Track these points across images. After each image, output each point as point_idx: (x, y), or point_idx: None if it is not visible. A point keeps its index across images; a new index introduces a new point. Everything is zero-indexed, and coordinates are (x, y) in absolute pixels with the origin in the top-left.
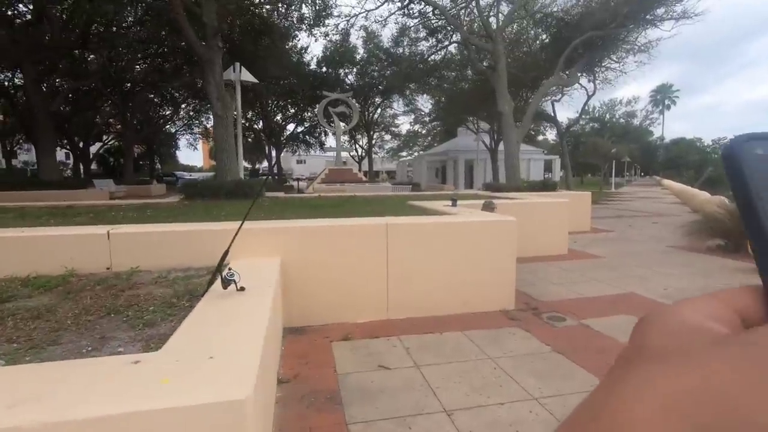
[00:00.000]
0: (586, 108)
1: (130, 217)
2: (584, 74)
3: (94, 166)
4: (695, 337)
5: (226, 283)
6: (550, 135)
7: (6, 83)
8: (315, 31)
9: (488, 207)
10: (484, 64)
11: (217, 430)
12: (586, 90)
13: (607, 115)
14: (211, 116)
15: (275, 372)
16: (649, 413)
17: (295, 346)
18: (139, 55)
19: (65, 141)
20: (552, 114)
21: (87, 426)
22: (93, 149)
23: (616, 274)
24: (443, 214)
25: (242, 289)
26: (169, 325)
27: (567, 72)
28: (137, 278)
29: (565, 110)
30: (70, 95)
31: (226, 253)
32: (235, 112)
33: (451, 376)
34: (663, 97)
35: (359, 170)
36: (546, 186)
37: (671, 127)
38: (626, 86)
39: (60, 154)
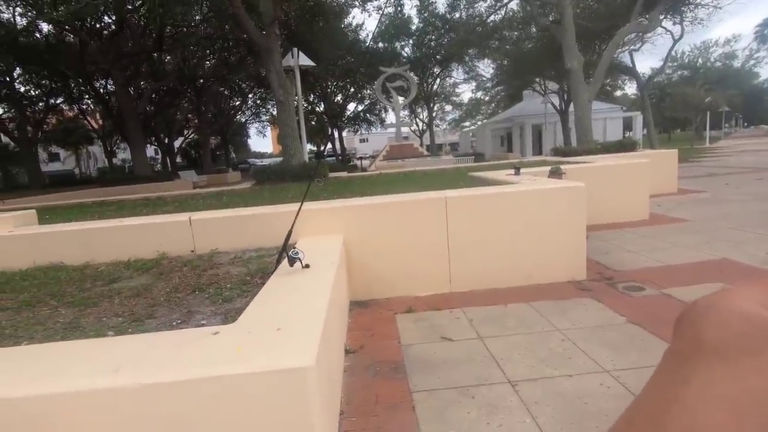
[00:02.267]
0: (673, 54)
1: (209, 203)
2: (668, 16)
3: (178, 159)
4: (755, 331)
5: (292, 261)
6: (630, 89)
7: (101, 90)
8: (368, 5)
9: (555, 173)
10: (549, 18)
11: (284, 394)
12: (671, 34)
13: (699, 60)
14: (275, 103)
15: (342, 343)
16: (716, 418)
17: (360, 319)
18: (207, 51)
19: (153, 138)
20: (630, 65)
21: (175, 387)
22: (177, 144)
23: (706, 239)
24: (505, 184)
25: (307, 266)
26: (244, 300)
27: (647, 16)
28: (217, 259)
29: (647, 59)
30: (153, 96)
31: (289, 233)
32: (296, 97)
33: (516, 348)
34: None
35: (421, 144)
36: (623, 146)
37: None
38: (722, 24)
39: (149, 150)
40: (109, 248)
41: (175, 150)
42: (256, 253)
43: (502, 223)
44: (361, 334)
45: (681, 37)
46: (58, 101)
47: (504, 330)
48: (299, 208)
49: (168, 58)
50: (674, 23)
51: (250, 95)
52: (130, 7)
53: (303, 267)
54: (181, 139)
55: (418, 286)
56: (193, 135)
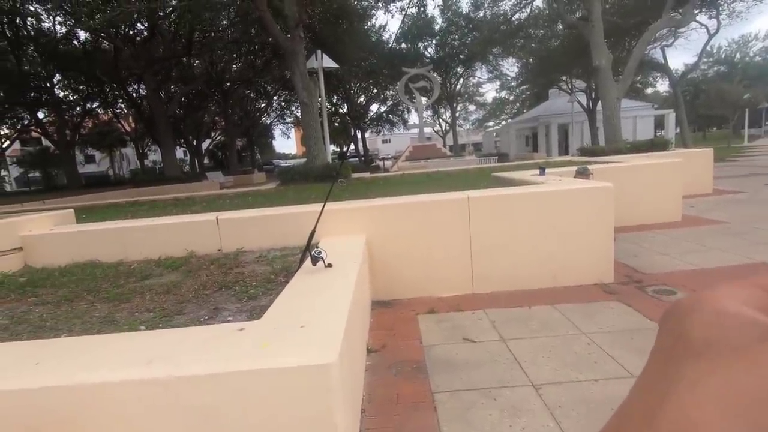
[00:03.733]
0: (708, 49)
1: (235, 203)
2: (703, 10)
3: (206, 161)
4: (742, 330)
5: (315, 261)
6: (662, 86)
7: (134, 95)
8: (391, 6)
9: (582, 174)
10: (576, 15)
11: (308, 389)
12: (706, 28)
13: (737, 55)
14: (299, 105)
15: (364, 341)
16: (705, 416)
17: (382, 318)
18: (234, 55)
19: (181, 140)
20: (662, 61)
21: (203, 380)
22: (205, 146)
23: (743, 242)
24: (530, 184)
25: (330, 265)
26: (269, 298)
27: (680, 10)
28: (242, 258)
29: (680, 54)
30: (183, 99)
31: (312, 233)
32: (320, 99)
33: (540, 351)
34: None
35: (444, 145)
36: (654, 145)
37: None
38: (763, 17)
39: (178, 152)
40: (141, 246)
41: (203, 152)
42: (280, 253)
43: (526, 224)
44: (383, 334)
45: (717, 31)
46: (94, 105)
47: (527, 332)
48: (322, 208)
49: (197, 62)
50: (710, 17)
51: (275, 97)
52: (161, 14)
53: (326, 266)
54: (208, 141)
55: (441, 287)
56: (220, 137)
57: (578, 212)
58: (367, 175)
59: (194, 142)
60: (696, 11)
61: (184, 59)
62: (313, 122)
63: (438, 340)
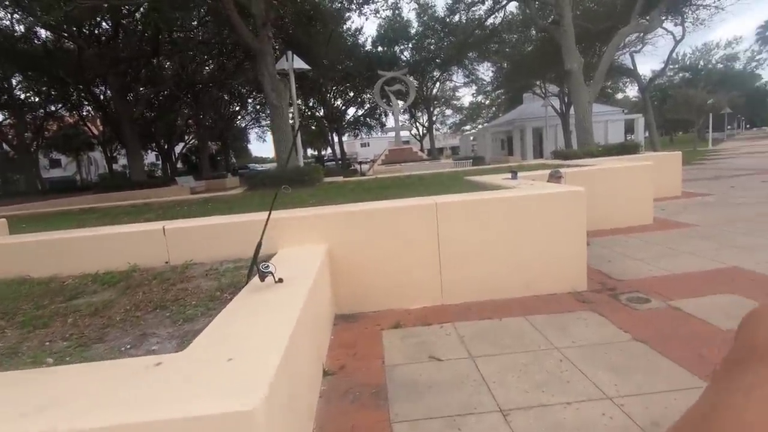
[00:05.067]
0: (674, 56)
1: (194, 211)
2: (669, 17)
3: (179, 165)
4: None
5: (262, 276)
6: (631, 91)
7: (101, 97)
8: (365, 9)
9: (554, 177)
10: (548, 20)
11: None
12: (672, 35)
13: (701, 62)
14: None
15: (320, 363)
16: (761, 418)
17: (344, 335)
18: (205, 57)
19: (153, 144)
20: (631, 67)
21: None
22: (179, 149)
23: (714, 245)
24: (501, 189)
25: (280, 280)
26: (207, 320)
27: (647, 17)
28: (190, 271)
29: (648, 61)
30: (154, 101)
31: (258, 245)
32: (291, 101)
33: (510, 369)
34: None
35: (421, 148)
36: (625, 149)
37: None
38: (725, 25)
39: (150, 156)
40: (80, 260)
41: (176, 155)
42: (233, 265)
43: (496, 230)
44: (344, 353)
45: (682, 38)
46: (58, 107)
47: (497, 348)
48: (267, 218)
49: (168, 63)
50: (675, 24)
51: (249, 100)
52: (124, 11)
53: (276, 282)
54: (182, 144)
55: (409, 299)
56: (193, 140)
57: (550, 218)
58: (340, 179)
59: (166, 146)
60: (663, 17)
61: (154, 60)
62: (284, 125)
63: (402, 359)
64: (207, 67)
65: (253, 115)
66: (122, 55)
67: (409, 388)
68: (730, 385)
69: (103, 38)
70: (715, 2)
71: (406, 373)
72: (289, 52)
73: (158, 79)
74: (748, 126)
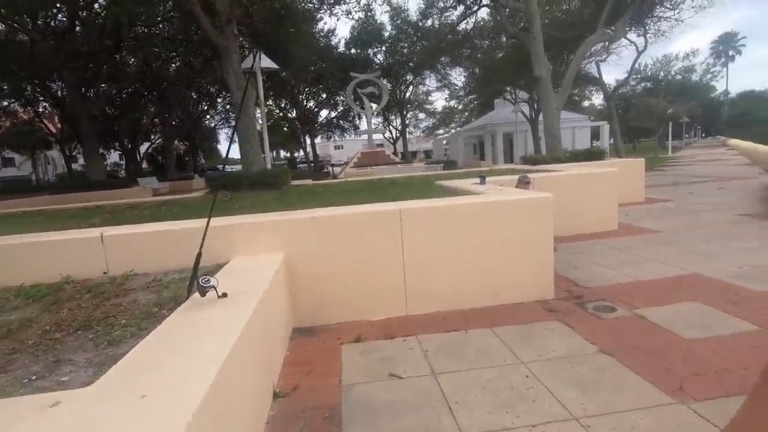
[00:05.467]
0: (637, 66)
1: (146, 215)
2: (633, 28)
3: (144, 165)
4: None
5: (203, 291)
6: (597, 100)
7: (58, 92)
8: (336, 9)
9: (522, 182)
10: (518, 27)
11: None
12: (635, 46)
13: (661, 73)
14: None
15: (270, 386)
16: None
17: (301, 350)
18: (172, 54)
19: (116, 143)
20: (597, 76)
21: None
22: (147, 149)
23: (677, 251)
24: (470, 194)
25: (224, 295)
26: (135, 342)
27: (612, 27)
28: (130, 283)
29: (613, 71)
30: (117, 99)
31: (198, 256)
32: (258, 101)
33: (474, 388)
34: (726, 47)
35: (394, 152)
36: (591, 155)
37: (738, 79)
38: (682, 39)
39: (114, 156)
40: (6, 271)
41: (141, 155)
42: (179, 276)
43: (463, 238)
44: (298, 371)
45: (645, 48)
46: (11, 103)
47: (462, 363)
48: (206, 227)
49: (133, 60)
50: (639, 35)
51: (219, 99)
52: (81, 2)
53: (219, 297)
54: (147, 144)
55: (372, 310)
56: (159, 140)
57: (518, 224)
58: (309, 182)
59: (130, 145)
60: (627, 28)
61: (116, 56)
62: (249, 125)
63: (361, 377)
64: (174, 65)
65: (223, 115)
66: (81, 50)
67: (366, 411)
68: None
69: (59, 31)
70: (675, 15)
71: (363, 393)
72: (257, 51)
73: (121, 76)
74: (703, 135)
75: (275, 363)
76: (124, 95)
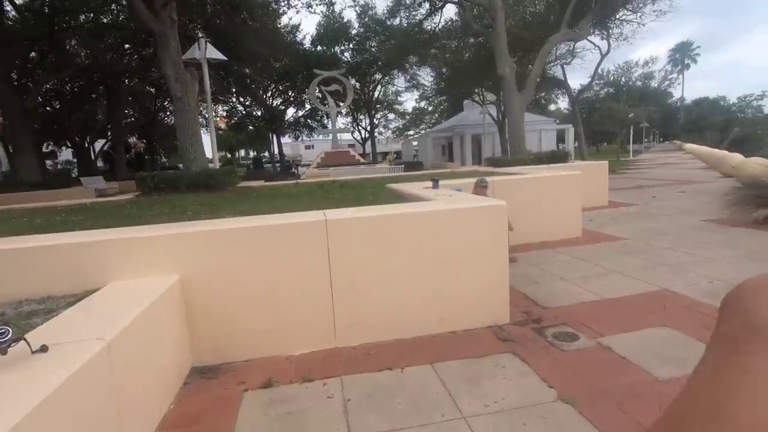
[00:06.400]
0: (600, 71)
1: (34, 223)
2: (596, 31)
3: (101, 164)
4: None
5: (3, 348)
6: (563, 103)
7: None
8: (295, 1)
9: (480, 187)
10: (483, 25)
11: None
12: (599, 49)
13: (623, 79)
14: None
15: None
16: None
17: (192, 401)
18: (122, 45)
19: (67, 140)
20: (562, 78)
21: None
22: (101, 146)
23: (643, 263)
24: (419, 200)
25: (42, 349)
26: None
27: (576, 28)
28: None
29: (578, 77)
30: (68, 93)
31: None
32: (204, 95)
33: None
34: (683, 56)
35: (363, 152)
36: (555, 157)
37: (693, 86)
38: (642, 47)
39: (66, 154)
40: None
41: (96, 153)
42: (40, 306)
43: (403, 253)
44: None
45: (608, 52)
46: None
47: (389, 419)
48: None
49: (78, 49)
50: (602, 38)
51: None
52: None
53: (34, 352)
54: (103, 141)
55: (291, 342)
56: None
57: (466, 237)
58: (256, 183)
59: (86, 143)
60: (591, 28)
61: (53, 44)
62: (190, 121)
63: None
64: (125, 57)
65: None
66: (10, 34)
67: None
68: (738, 372)
69: None
70: (636, 18)
71: None
72: (203, 40)
73: (61, 65)
74: (661, 139)
75: (147, 426)
76: (75, 89)
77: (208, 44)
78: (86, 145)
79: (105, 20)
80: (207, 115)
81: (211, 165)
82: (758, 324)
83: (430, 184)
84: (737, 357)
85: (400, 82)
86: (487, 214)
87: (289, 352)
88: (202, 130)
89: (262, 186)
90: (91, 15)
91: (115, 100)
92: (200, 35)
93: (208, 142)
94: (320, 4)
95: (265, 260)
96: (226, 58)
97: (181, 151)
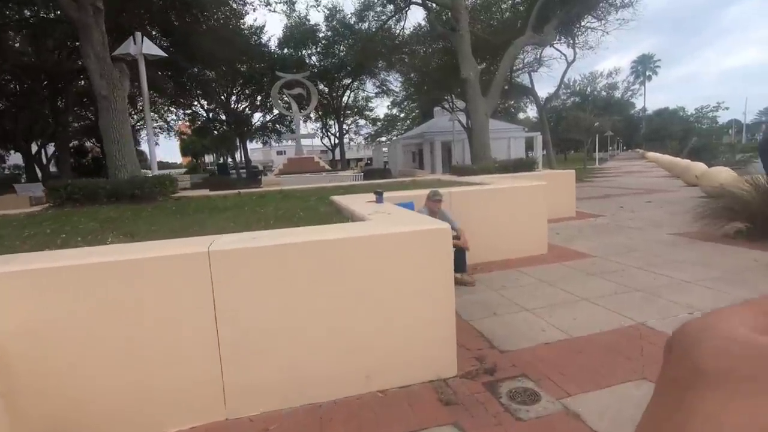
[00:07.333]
0: (566, 81)
1: None
2: (562, 38)
3: (53, 168)
4: (754, 358)
5: None
6: (531, 112)
7: None
8: None
9: (432, 201)
10: (447, 27)
11: None
12: (565, 57)
13: (589, 88)
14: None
15: None
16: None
17: None
18: (76, 44)
19: (11, 144)
20: (530, 86)
21: None
22: (53, 151)
23: (614, 287)
24: (352, 219)
25: None
26: None
27: (541, 33)
28: None
29: (546, 86)
30: (16, 92)
31: None
32: (142, 95)
33: None
34: (644, 68)
35: (333, 159)
36: (522, 165)
37: (653, 98)
38: (607, 58)
39: (15, 158)
40: None
41: (48, 157)
42: None
43: (318, 292)
44: None
45: (574, 60)
46: None
47: None
48: None
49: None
50: (568, 45)
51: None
52: None
53: None
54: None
55: (162, 418)
56: (75, 141)
57: (403, 269)
58: (199, 193)
59: (37, 147)
60: (556, 33)
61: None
62: (118, 124)
63: None
64: (73, 55)
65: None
66: None
67: None
68: (684, 415)
69: None
70: (600, 25)
71: None
72: (138, 34)
73: None
74: (625, 148)
75: None
76: (17, 89)
77: (146, 39)
78: (36, 148)
79: (48, 15)
80: (146, 118)
81: (147, 172)
82: (704, 368)
83: (373, 198)
84: (684, 401)
85: (369, 87)
86: (428, 239)
87: (163, 429)
88: (162, 135)
89: (202, 196)
90: (35, 8)
91: (62, 102)
92: (149, 31)
93: (176, 147)
94: (279, 2)
95: (123, 308)
96: (165, 54)
97: (107, 157)
